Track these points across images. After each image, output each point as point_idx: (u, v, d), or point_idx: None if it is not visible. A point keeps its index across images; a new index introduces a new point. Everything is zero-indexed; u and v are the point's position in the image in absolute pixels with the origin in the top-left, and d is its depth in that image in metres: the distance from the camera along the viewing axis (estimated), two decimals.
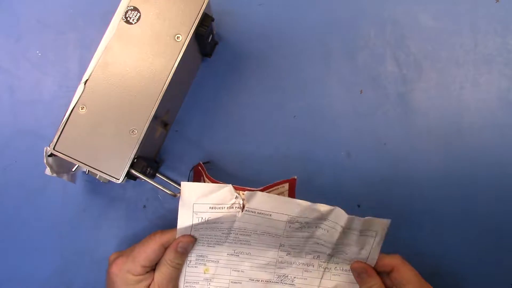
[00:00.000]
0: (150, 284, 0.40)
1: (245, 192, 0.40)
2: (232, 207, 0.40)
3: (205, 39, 0.44)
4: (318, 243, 0.42)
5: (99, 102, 0.39)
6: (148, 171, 0.42)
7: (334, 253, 0.42)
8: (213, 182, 0.44)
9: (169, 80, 0.40)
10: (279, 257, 0.43)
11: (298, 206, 0.39)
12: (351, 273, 0.43)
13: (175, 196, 0.43)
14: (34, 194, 0.49)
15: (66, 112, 0.39)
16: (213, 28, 0.46)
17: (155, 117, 0.40)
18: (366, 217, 0.39)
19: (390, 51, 0.51)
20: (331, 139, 0.50)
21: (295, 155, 0.49)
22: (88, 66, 0.40)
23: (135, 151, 0.39)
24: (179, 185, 0.48)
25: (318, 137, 0.50)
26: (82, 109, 0.39)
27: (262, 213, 0.40)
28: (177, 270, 0.41)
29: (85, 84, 0.39)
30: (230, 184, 0.40)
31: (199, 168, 0.47)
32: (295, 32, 0.51)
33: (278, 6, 0.52)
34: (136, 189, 0.49)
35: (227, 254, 0.43)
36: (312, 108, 0.50)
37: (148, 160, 0.43)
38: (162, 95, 0.40)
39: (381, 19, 0.52)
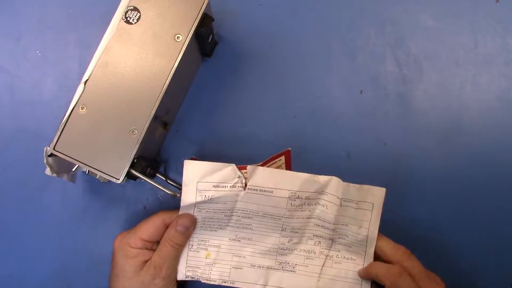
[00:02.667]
0: (147, 260, 0.41)
1: (248, 167, 0.41)
2: (235, 186, 0.41)
3: (205, 39, 0.44)
4: (318, 225, 0.43)
5: (99, 102, 0.39)
6: (148, 171, 0.42)
7: (334, 237, 0.43)
8: None
9: (169, 80, 0.40)
10: (281, 243, 0.43)
11: (298, 179, 0.41)
12: (353, 261, 0.43)
13: (175, 196, 0.43)
14: (34, 194, 0.49)
15: (66, 112, 0.39)
16: (213, 28, 0.46)
17: (155, 117, 0.40)
18: (361, 184, 0.42)
19: (390, 51, 0.51)
20: (331, 139, 0.50)
21: (295, 155, 0.49)
22: (88, 66, 0.40)
23: (135, 151, 0.39)
24: (179, 185, 0.48)
25: (318, 137, 0.50)
26: (82, 109, 0.39)
27: (264, 190, 0.41)
28: (175, 250, 0.42)
29: (85, 84, 0.39)
30: (233, 164, 0.41)
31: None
32: (295, 32, 0.51)
33: (278, 6, 0.52)
34: (136, 189, 0.49)
35: (229, 239, 0.43)
36: (312, 108, 0.50)
37: (148, 160, 0.43)
38: (162, 95, 0.40)
39: (381, 19, 0.52)
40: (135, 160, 0.39)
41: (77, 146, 0.39)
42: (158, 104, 0.39)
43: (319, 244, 0.43)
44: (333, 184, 0.42)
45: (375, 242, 0.42)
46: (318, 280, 0.43)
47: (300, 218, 0.43)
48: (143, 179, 0.41)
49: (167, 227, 0.42)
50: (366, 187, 0.42)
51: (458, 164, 0.49)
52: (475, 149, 0.50)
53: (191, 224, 0.42)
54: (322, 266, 0.43)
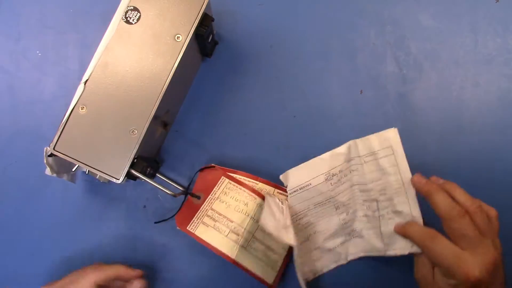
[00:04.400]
0: None
1: (280, 176, 0.46)
2: (284, 205, 0.45)
3: (205, 39, 0.44)
4: (361, 191, 0.45)
5: (99, 102, 0.39)
6: (148, 171, 0.42)
7: (377, 197, 0.44)
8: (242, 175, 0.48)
9: (169, 80, 0.40)
10: (342, 219, 0.46)
11: (323, 160, 0.45)
12: (400, 213, 0.43)
13: (175, 196, 0.43)
14: (34, 194, 0.49)
15: (66, 112, 0.39)
16: (213, 28, 0.46)
17: (155, 117, 0.40)
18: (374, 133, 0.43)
19: (390, 51, 0.51)
20: (331, 139, 0.50)
21: (295, 155, 0.49)
22: (88, 66, 0.40)
23: (135, 151, 0.39)
24: (180, 185, 0.48)
25: (318, 137, 0.50)
26: (82, 109, 0.39)
27: (303, 187, 0.45)
28: None
29: (85, 84, 0.39)
30: (266, 195, 0.45)
31: (217, 169, 0.47)
32: (295, 32, 0.51)
33: (278, 6, 0.52)
34: (136, 189, 0.49)
35: (301, 243, 0.46)
36: (312, 108, 0.50)
37: (148, 160, 0.43)
38: (162, 95, 0.40)
39: (381, 19, 0.52)
40: (135, 160, 0.39)
41: (77, 146, 0.39)
42: (158, 104, 0.39)
43: (369, 208, 0.45)
44: (352, 147, 0.44)
45: (410, 183, 0.42)
46: (383, 239, 0.43)
47: (344, 191, 0.45)
48: (143, 179, 0.40)
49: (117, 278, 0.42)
50: (378, 134, 0.43)
51: (458, 164, 0.49)
52: (475, 148, 0.49)
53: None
54: (380, 227, 0.44)
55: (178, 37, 0.40)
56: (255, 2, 0.52)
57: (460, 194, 0.40)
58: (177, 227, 0.46)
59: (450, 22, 0.52)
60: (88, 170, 0.39)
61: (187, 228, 0.46)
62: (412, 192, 0.42)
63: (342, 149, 0.44)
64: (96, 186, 0.49)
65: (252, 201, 0.46)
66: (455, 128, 0.50)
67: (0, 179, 0.50)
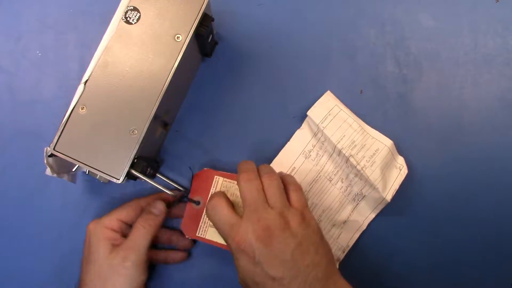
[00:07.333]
0: (119, 245, 0.41)
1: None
2: None
3: (205, 39, 0.44)
4: (338, 155, 0.47)
5: (99, 102, 0.39)
6: (148, 171, 0.42)
7: (350, 152, 0.46)
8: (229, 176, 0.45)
9: (169, 80, 0.40)
10: (340, 188, 0.48)
11: (293, 145, 0.48)
12: (379, 153, 0.47)
13: (175, 196, 0.43)
14: (34, 194, 0.49)
15: (66, 112, 0.39)
16: (213, 28, 0.46)
17: (155, 117, 0.40)
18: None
19: (390, 51, 0.51)
20: None
21: None
22: (88, 66, 0.40)
23: (135, 151, 0.39)
24: (179, 185, 0.48)
25: None
26: (82, 109, 0.39)
27: (290, 173, 0.47)
28: (148, 233, 0.41)
29: (85, 84, 0.39)
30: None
31: (207, 170, 0.46)
32: (295, 32, 0.51)
33: (278, 6, 0.52)
34: (136, 189, 0.49)
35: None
36: None
37: (148, 160, 0.43)
38: (162, 95, 0.40)
39: (381, 19, 0.52)
40: (135, 160, 0.39)
41: (77, 146, 0.39)
42: (158, 104, 0.39)
43: (352, 167, 0.47)
44: (309, 121, 0.48)
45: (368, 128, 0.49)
46: (378, 188, 0.46)
47: (327, 162, 0.48)
48: (143, 179, 0.40)
49: (142, 210, 0.43)
50: (318, 101, 0.48)
51: (458, 164, 0.49)
52: (475, 148, 0.50)
53: (165, 209, 0.43)
54: (368, 177, 0.46)
55: (178, 37, 0.40)
56: (255, 2, 0.52)
57: (265, 166, 0.41)
58: (187, 236, 0.44)
59: (450, 22, 0.52)
60: (88, 170, 0.39)
61: (197, 234, 0.44)
62: (370, 129, 0.48)
63: (302, 126, 0.49)
64: (96, 186, 0.49)
65: None
66: (455, 128, 0.50)
67: (0, 179, 0.50)
